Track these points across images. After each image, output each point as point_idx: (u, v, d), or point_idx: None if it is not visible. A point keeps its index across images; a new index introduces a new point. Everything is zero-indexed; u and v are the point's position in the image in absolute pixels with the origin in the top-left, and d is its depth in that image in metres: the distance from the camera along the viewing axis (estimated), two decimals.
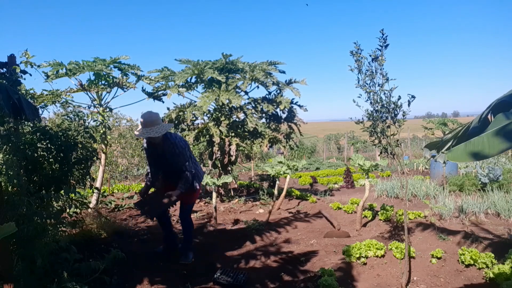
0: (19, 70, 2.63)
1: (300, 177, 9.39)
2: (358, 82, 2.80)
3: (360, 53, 2.76)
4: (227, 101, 5.36)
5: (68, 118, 3.44)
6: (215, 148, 5.46)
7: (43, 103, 4.32)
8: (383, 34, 2.64)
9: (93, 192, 4.78)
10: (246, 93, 6.08)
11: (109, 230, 3.94)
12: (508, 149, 1.16)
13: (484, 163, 8.04)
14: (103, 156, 4.92)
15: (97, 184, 4.89)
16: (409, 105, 2.66)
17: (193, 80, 5.92)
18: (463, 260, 3.12)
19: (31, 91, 3.79)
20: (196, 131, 5.60)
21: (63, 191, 2.86)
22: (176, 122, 5.92)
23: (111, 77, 4.75)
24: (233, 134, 5.55)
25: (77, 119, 3.45)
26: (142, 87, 5.57)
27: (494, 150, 1.17)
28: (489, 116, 1.24)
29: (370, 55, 2.70)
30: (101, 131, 4.74)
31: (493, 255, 3.07)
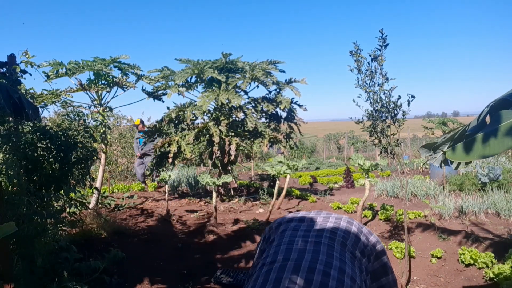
0: (19, 70, 2.62)
1: (300, 176, 9.39)
2: (358, 82, 2.81)
3: (359, 53, 2.76)
4: (227, 101, 5.36)
5: (68, 118, 3.44)
6: (215, 148, 5.47)
7: (43, 103, 4.32)
8: (382, 34, 2.65)
9: (92, 192, 4.78)
10: (246, 92, 6.08)
11: (109, 230, 3.94)
12: None
13: (484, 162, 8.04)
14: (103, 155, 4.92)
15: (97, 183, 4.89)
16: (409, 104, 2.67)
17: (193, 79, 5.92)
18: (463, 259, 3.12)
19: (31, 91, 3.79)
20: (196, 130, 5.60)
21: (63, 190, 2.86)
22: (176, 121, 5.92)
23: (111, 76, 4.75)
24: (233, 133, 5.55)
25: (77, 118, 3.45)
26: (142, 87, 5.57)
27: (498, 148, 1.13)
28: (487, 118, 1.22)
29: (370, 55, 2.70)
30: (101, 131, 4.74)
31: (493, 254, 3.07)
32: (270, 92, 6.08)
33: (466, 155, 1.22)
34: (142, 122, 8.04)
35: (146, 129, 7.48)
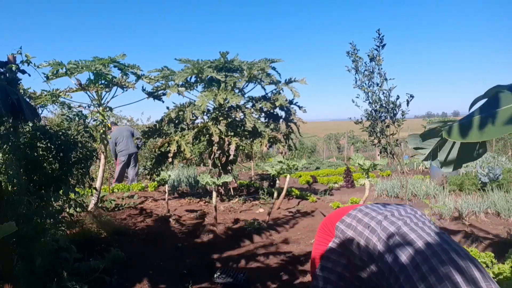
0: (15, 68, 2.62)
1: (300, 176, 9.39)
2: (356, 82, 2.82)
3: (356, 53, 2.77)
4: (227, 100, 5.35)
5: (67, 118, 3.44)
6: (214, 148, 5.47)
7: (42, 103, 4.32)
8: (379, 35, 2.65)
9: (92, 193, 4.79)
10: (243, 93, 6.07)
11: (109, 230, 3.95)
12: None
13: (483, 162, 8.03)
14: (102, 155, 4.92)
15: (97, 183, 4.89)
16: (408, 104, 2.67)
17: (193, 79, 5.91)
18: None
19: (29, 90, 3.78)
20: (195, 130, 5.60)
21: (62, 190, 2.86)
22: (176, 121, 5.92)
23: (110, 76, 4.75)
24: (232, 133, 5.55)
25: (76, 118, 3.45)
26: (142, 87, 5.57)
27: (496, 132, 1.08)
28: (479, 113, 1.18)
29: (368, 55, 2.71)
30: (101, 131, 4.74)
31: (493, 254, 3.07)
32: (266, 93, 6.07)
33: (461, 137, 1.17)
34: (112, 123, 8.48)
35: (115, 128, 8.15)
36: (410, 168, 10.34)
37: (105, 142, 4.87)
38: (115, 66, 4.79)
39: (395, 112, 2.73)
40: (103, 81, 4.79)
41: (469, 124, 1.13)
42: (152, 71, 5.69)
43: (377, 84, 2.74)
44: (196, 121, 6.14)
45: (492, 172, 6.32)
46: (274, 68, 5.78)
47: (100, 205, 4.99)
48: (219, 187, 6.02)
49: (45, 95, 4.38)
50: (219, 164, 5.94)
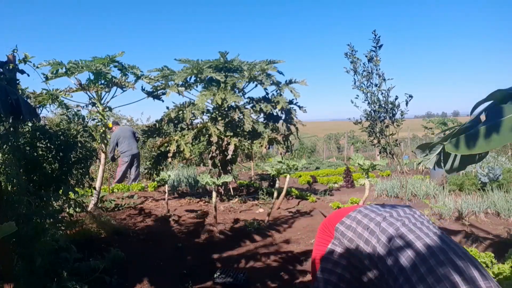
0: (12, 66, 2.61)
1: (300, 176, 9.38)
2: (355, 83, 2.82)
3: (354, 54, 2.77)
4: (225, 100, 5.35)
5: (67, 118, 3.44)
6: (213, 148, 5.47)
7: (42, 103, 4.32)
8: (375, 35, 2.65)
9: (91, 192, 4.79)
10: (244, 93, 6.07)
11: (109, 230, 3.95)
12: None
13: (483, 162, 8.03)
14: (102, 155, 4.92)
15: (97, 183, 4.89)
16: (407, 104, 2.68)
17: (193, 79, 5.91)
18: None
19: (28, 90, 3.78)
20: (195, 130, 5.59)
21: (62, 190, 2.86)
22: (176, 121, 5.92)
23: (110, 76, 4.75)
24: (231, 133, 5.55)
25: (76, 118, 3.45)
26: (142, 86, 5.57)
27: (500, 142, 1.08)
28: (482, 116, 1.19)
29: (366, 56, 2.71)
30: (101, 131, 4.74)
31: (493, 254, 3.07)
32: (267, 94, 6.07)
33: (467, 149, 1.18)
34: (114, 123, 8.46)
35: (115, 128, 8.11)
36: (410, 168, 10.34)
37: (105, 142, 4.87)
38: (115, 67, 4.79)
39: (394, 112, 2.74)
40: (103, 81, 4.79)
41: (476, 136, 1.14)
42: (152, 70, 5.69)
43: (376, 85, 2.75)
44: (196, 121, 6.15)
45: (492, 172, 6.32)
46: (275, 68, 5.77)
47: (100, 205, 4.99)
48: (219, 187, 6.02)
49: (45, 94, 4.38)
50: (219, 164, 5.94)
